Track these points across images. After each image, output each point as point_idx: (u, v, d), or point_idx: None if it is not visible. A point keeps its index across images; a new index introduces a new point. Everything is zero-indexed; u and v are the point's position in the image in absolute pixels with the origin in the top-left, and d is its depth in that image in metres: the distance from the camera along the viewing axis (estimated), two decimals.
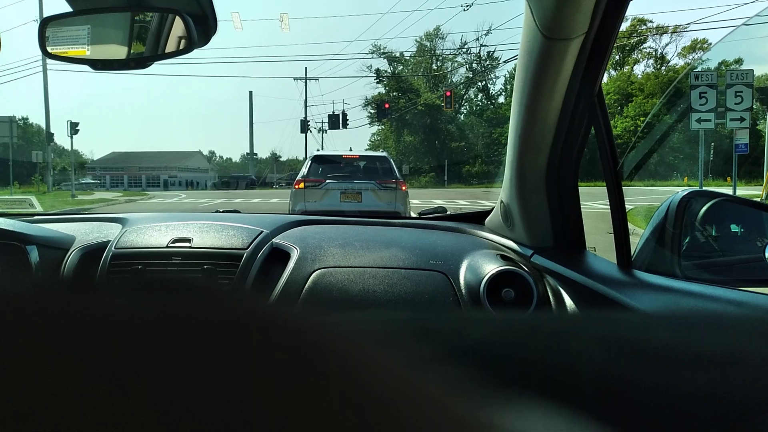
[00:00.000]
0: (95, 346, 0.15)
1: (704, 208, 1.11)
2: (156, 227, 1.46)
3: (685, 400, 0.22)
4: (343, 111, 31.83)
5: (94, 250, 1.43)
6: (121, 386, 0.14)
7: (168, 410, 0.13)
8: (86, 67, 1.15)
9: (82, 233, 1.52)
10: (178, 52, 1.11)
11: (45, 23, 1.14)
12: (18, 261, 1.37)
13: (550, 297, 1.21)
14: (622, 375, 0.23)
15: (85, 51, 1.14)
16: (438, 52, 47.56)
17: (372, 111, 44.87)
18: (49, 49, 1.15)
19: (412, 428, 0.14)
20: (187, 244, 1.39)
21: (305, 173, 7.92)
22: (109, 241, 1.43)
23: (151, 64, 1.15)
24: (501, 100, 45.88)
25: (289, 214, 2.04)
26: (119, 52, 1.15)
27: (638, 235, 1.14)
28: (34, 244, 1.41)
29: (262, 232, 1.44)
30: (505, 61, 45.57)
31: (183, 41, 1.09)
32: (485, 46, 46.23)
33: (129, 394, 0.13)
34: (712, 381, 0.23)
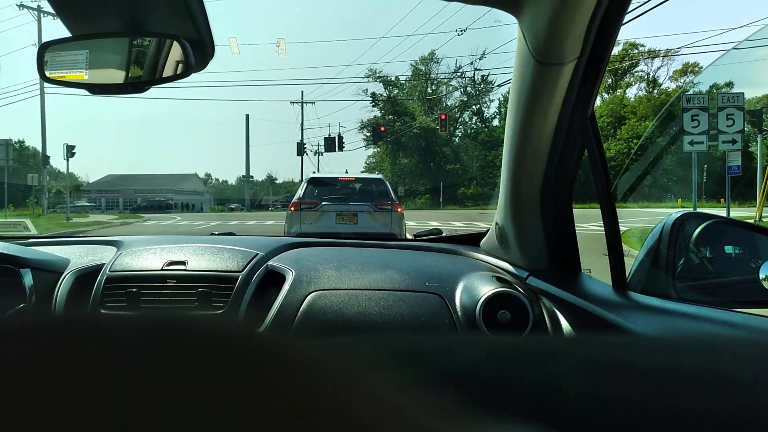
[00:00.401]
0: (86, 374, 0.15)
1: (698, 230, 1.11)
2: (151, 250, 1.46)
3: (673, 422, 0.22)
4: (339, 134, 32.01)
5: (89, 273, 1.43)
6: (112, 413, 0.14)
7: None
8: (84, 91, 1.16)
9: (77, 256, 1.51)
10: (175, 77, 1.12)
11: (44, 48, 1.15)
12: (12, 284, 1.36)
13: (546, 319, 1.21)
14: (610, 397, 0.23)
15: (83, 75, 1.15)
16: (433, 75, 48.06)
17: (368, 134, 45.15)
18: (47, 73, 1.16)
19: None
20: (182, 267, 1.38)
21: (301, 195, 7.93)
22: (104, 263, 1.42)
23: (148, 89, 1.16)
24: (495, 122, 46.29)
25: (284, 236, 2.03)
26: (117, 76, 1.16)
27: (633, 256, 1.14)
28: (28, 267, 1.40)
29: (257, 254, 1.44)
30: (499, 85, 46.12)
31: (180, 66, 1.10)
32: (479, 70, 46.81)
33: (120, 416, 0.13)
34: (699, 403, 0.23)
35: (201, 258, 1.41)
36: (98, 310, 1.31)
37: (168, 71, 1.13)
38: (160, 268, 1.38)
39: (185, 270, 1.37)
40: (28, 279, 1.38)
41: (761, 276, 0.99)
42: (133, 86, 1.15)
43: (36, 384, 0.14)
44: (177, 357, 0.16)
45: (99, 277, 1.37)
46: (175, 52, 1.11)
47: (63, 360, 0.15)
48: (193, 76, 1.10)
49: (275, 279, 1.38)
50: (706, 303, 0.92)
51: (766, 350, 0.30)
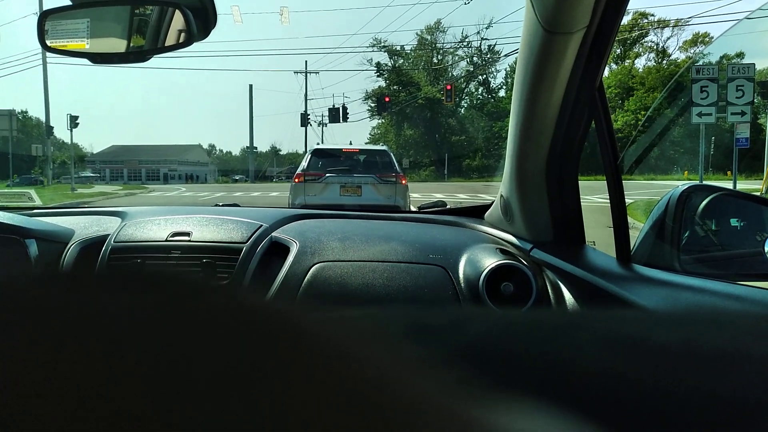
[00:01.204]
0: (91, 341, 0.15)
1: (704, 203, 1.11)
2: (155, 221, 1.46)
3: (687, 399, 0.21)
4: (344, 104, 31.78)
5: (94, 244, 1.43)
6: (117, 381, 0.14)
7: (165, 406, 0.13)
8: (86, 61, 1.15)
9: (82, 227, 1.52)
10: (177, 46, 1.11)
11: (44, 16, 1.14)
12: (17, 254, 1.37)
13: (549, 291, 1.22)
14: (622, 373, 0.23)
15: (84, 44, 1.14)
16: (439, 45, 47.46)
17: (372, 104, 44.81)
18: (48, 42, 1.15)
19: (410, 428, 0.14)
20: (186, 238, 1.39)
21: (305, 167, 7.91)
22: (109, 234, 1.43)
23: (150, 58, 1.15)
24: (502, 93, 45.82)
25: (288, 207, 2.03)
26: (119, 45, 1.15)
27: (638, 229, 1.14)
28: (33, 238, 1.41)
29: (261, 225, 1.44)
30: (506, 55, 45.49)
31: (182, 35, 1.09)
32: (486, 39, 46.16)
33: (125, 389, 0.13)
34: (713, 380, 0.23)
35: (205, 229, 1.42)
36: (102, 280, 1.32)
37: (170, 40, 1.11)
38: (164, 239, 1.38)
39: (190, 241, 1.38)
40: (33, 249, 1.39)
41: (766, 249, 0.98)
42: (135, 55, 1.14)
43: (37, 344, 0.14)
44: (183, 323, 0.16)
45: (104, 248, 1.38)
46: (177, 20, 1.09)
47: (66, 320, 0.15)
48: (196, 46, 1.09)
49: (279, 250, 1.38)
50: (711, 276, 0.92)
51: None
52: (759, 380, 0.23)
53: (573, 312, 0.88)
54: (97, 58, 1.14)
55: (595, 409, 0.21)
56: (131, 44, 1.14)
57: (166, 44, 1.12)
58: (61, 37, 1.15)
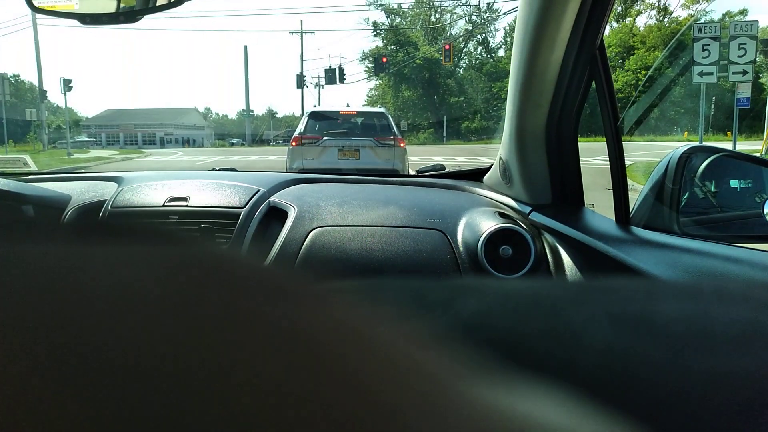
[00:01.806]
0: (87, 300, 0.14)
1: (704, 164, 1.10)
2: (152, 186, 1.46)
3: (700, 379, 0.21)
4: (340, 65, 31.37)
5: (91, 209, 1.43)
6: (111, 343, 0.13)
7: (160, 369, 0.13)
8: (76, 22, 1.12)
9: (78, 192, 1.51)
10: (168, 5, 1.08)
11: None
12: (13, 221, 1.37)
13: (548, 254, 1.22)
14: (628, 349, 0.22)
15: (72, 5, 1.11)
16: (437, 3, 46.53)
17: (369, 65, 44.24)
18: (35, 2, 1.12)
19: (414, 405, 0.14)
20: (183, 203, 1.38)
21: (302, 130, 7.85)
22: (106, 199, 1.42)
23: (141, 18, 1.12)
24: (501, 53, 45.15)
25: (286, 172, 2.02)
26: (108, 5, 1.12)
27: (637, 191, 1.13)
28: (30, 204, 1.40)
29: (259, 190, 1.43)
30: (505, 13, 44.70)
31: None
32: None
33: (119, 351, 0.13)
34: (722, 359, 0.22)
35: (203, 194, 1.41)
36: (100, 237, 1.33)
37: None
38: (161, 204, 1.38)
39: (187, 206, 1.37)
40: (29, 215, 1.39)
41: (765, 211, 0.98)
42: (125, 16, 1.11)
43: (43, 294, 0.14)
44: (183, 287, 0.15)
45: (101, 213, 1.38)
46: None
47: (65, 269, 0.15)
48: (189, 5, 1.06)
49: (278, 215, 1.38)
50: (710, 238, 0.92)
51: None
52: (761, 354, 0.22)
53: (575, 283, 0.88)
54: (87, 19, 1.11)
55: (599, 387, 0.21)
56: (121, 4, 1.11)
57: (157, 4, 1.09)
58: None
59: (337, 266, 1.27)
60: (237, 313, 0.15)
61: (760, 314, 0.25)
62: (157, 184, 1.47)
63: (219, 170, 1.76)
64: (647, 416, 0.20)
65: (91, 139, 49.22)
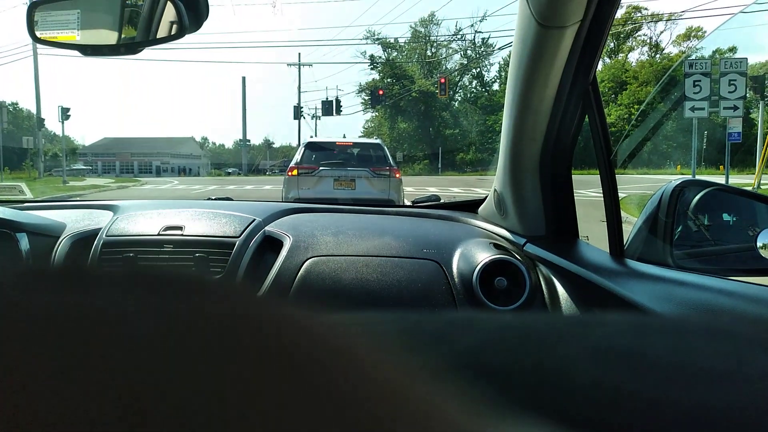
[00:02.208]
0: (83, 339, 0.14)
1: (697, 197, 1.11)
2: (147, 215, 1.45)
3: (685, 414, 0.21)
4: (337, 97, 31.70)
5: (85, 238, 1.42)
6: (107, 382, 0.13)
7: (158, 402, 0.13)
8: (77, 53, 1.14)
9: (73, 220, 1.51)
10: (169, 38, 1.10)
11: (33, 7, 1.13)
12: (8, 249, 1.36)
13: (543, 286, 1.22)
14: (618, 385, 0.23)
15: (74, 36, 1.13)
16: (433, 38, 47.32)
17: (366, 97, 44.71)
18: (38, 33, 1.14)
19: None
20: (178, 232, 1.38)
21: (298, 160, 7.89)
22: (100, 228, 1.42)
23: (142, 50, 1.14)
24: (495, 87, 45.80)
25: (282, 201, 2.03)
26: (109, 37, 1.14)
27: (631, 223, 1.14)
28: (24, 232, 1.40)
29: (254, 219, 1.43)
30: (500, 48, 45.51)
31: (174, 26, 1.07)
32: (480, 32, 46.25)
33: (115, 389, 0.13)
34: (709, 395, 0.22)
35: (198, 223, 1.41)
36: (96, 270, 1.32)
37: (162, 32, 1.10)
38: (156, 233, 1.37)
39: (182, 235, 1.37)
40: (24, 243, 1.38)
41: (759, 244, 0.99)
42: (126, 47, 1.13)
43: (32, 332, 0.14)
44: (177, 321, 0.15)
45: (96, 242, 1.37)
46: (169, 12, 1.08)
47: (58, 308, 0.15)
48: (189, 38, 1.08)
49: (273, 245, 1.38)
50: (703, 271, 0.93)
51: None
52: (759, 396, 0.22)
53: (567, 317, 0.88)
54: (88, 50, 1.13)
55: (589, 422, 0.21)
56: (122, 36, 1.13)
57: (157, 36, 1.11)
58: (51, 28, 1.14)
59: (332, 296, 1.26)
60: (232, 344, 0.15)
61: (745, 350, 0.26)
62: (152, 212, 1.47)
63: (215, 199, 1.76)
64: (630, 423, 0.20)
65: (87, 167, 49.30)
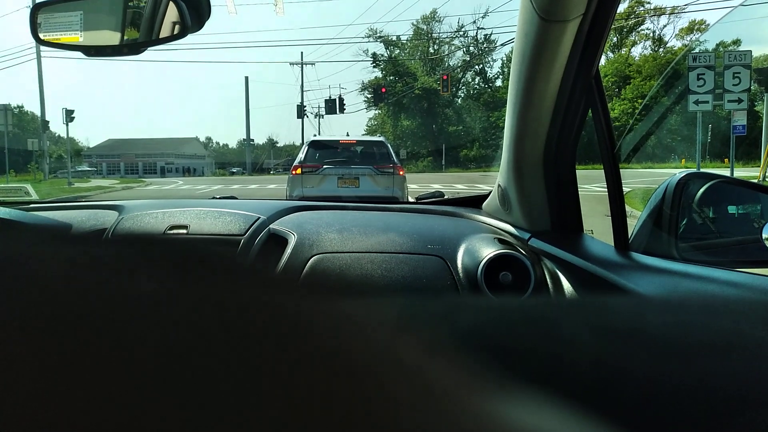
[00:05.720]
0: (95, 324, 0.15)
1: (702, 190, 1.11)
2: (152, 214, 1.46)
3: (683, 390, 0.21)
4: (340, 96, 31.68)
5: (91, 238, 1.43)
6: (118, 364, 0.13)
7: (167, 387, 0.13)
8: (81, 54, 1.14)
9: (79, 221, 1.51)
10: (172, 38, 1.10)
11: (36, 9, 1.13)
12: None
13: (548, 280, 1.22)
14: (618, 363, 0.23)
15: (77, 37, 1.13)
16: (435, 35, 47.26)
17: (369, 95, 44.71)
18: (41, 35, 1.14)
19: (414, 415, 0.14)
20: (183, 231, 1.38)
21: (302, 159, 7.90)
22: (106, 228, 1.43)
23: (144, 50, 1.14)
24: (498, 83, 45.72)
25: (286, 200, 2.03)
26: (112, 38, 1.14)
27: (636, 217, 1.14)
28: (30, 233, 1.40)
29: (259, 218, 1.43)
30: (502, 44, 45.38)
31: (177, 26, 1.08)
32: (482, 29, 46.00)
33: (125, 372, 0.13)
34: (710, 371, 0.22)
35: (203, 222, 1.41)
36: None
37: (164, 32, 1.11)
38: (162, 233, 1.38)
39: (187, 234, 1.37)
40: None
41: (764, 236, 0.98)
42: (129, 48, 1.13)
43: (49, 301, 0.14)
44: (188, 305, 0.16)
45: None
46: (171, 12, 1.08)
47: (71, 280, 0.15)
48: (191, 38, 1.08)
49: (278, 242, 1.38)
50: (709, 263, 0.92)
51: None
52: (755, 368, 0.22)
53: (569, 301, 0.88)
54: (91, 51, 1.13)
55: (592, 399, 0.21)
56: (125, 37, 1.14)
57: (160, 36, 1.11)
58: (54, 30, 1.14)
59: (337, 292, 1.26)
60: (241, 320, 0.15)
61: (740, 327, 0.26)
62: (157, 212, 1.47)
63: (219, 198, 1.77)
64: (635, 418, 0.21)
65: (92, 169, 49.48)
